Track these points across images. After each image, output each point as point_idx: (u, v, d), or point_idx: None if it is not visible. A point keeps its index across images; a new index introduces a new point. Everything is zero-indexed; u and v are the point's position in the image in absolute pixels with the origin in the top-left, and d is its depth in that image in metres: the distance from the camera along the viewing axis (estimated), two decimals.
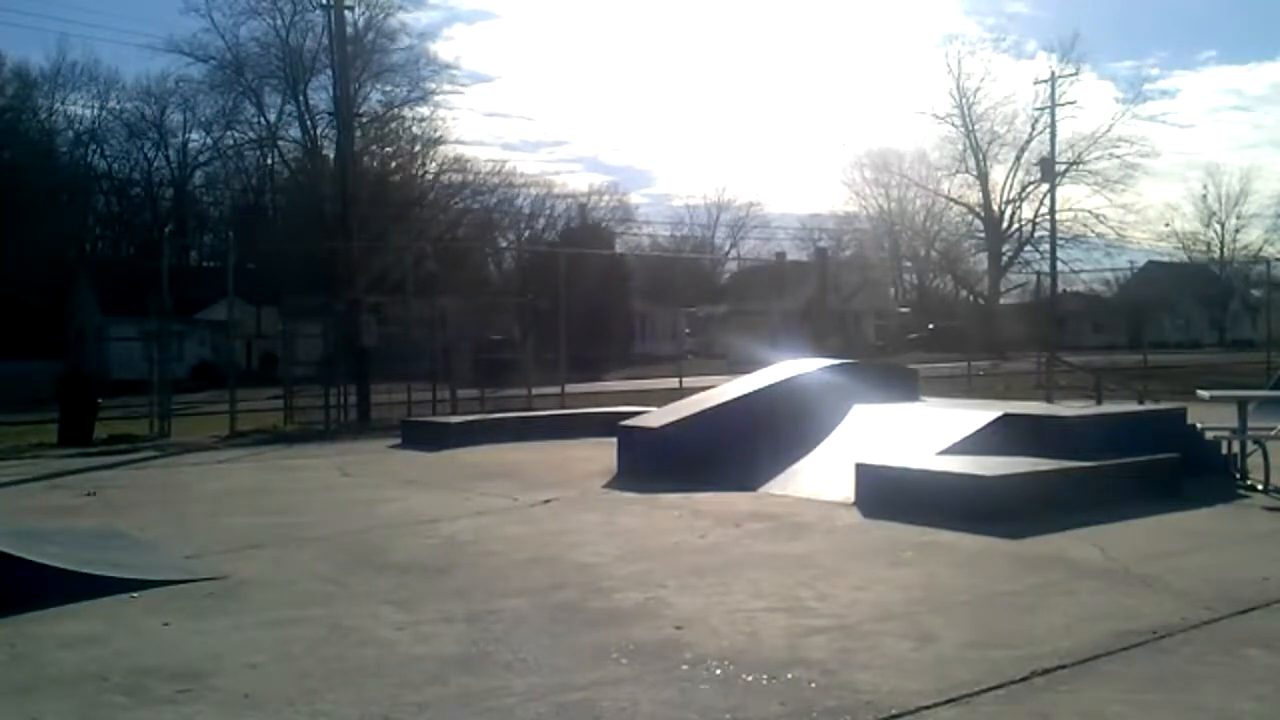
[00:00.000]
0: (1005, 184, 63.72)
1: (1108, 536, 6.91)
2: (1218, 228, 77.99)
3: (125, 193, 59.48)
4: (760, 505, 8.41)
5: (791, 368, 11.97)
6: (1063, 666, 4.30)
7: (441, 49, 78.46)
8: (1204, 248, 78.09)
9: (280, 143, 56.71)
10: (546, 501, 8.86)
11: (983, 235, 65.09)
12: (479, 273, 50.63)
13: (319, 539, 7.34)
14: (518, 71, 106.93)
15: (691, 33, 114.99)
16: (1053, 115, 51.23)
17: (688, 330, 47.24)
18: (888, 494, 8.00)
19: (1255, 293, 65.04)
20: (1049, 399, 19.27)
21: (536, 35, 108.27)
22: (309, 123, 53.88)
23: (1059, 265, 51.19)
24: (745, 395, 11.18)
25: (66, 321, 44.09)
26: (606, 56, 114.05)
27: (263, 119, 56.29)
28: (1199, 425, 9.77)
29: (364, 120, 46.83)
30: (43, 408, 17.19)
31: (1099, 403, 17.85)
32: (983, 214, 64.59)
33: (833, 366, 12.00)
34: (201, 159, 59.77)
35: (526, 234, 61.33)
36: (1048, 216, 53.12)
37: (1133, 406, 15.03)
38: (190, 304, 30.53)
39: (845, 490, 8.42)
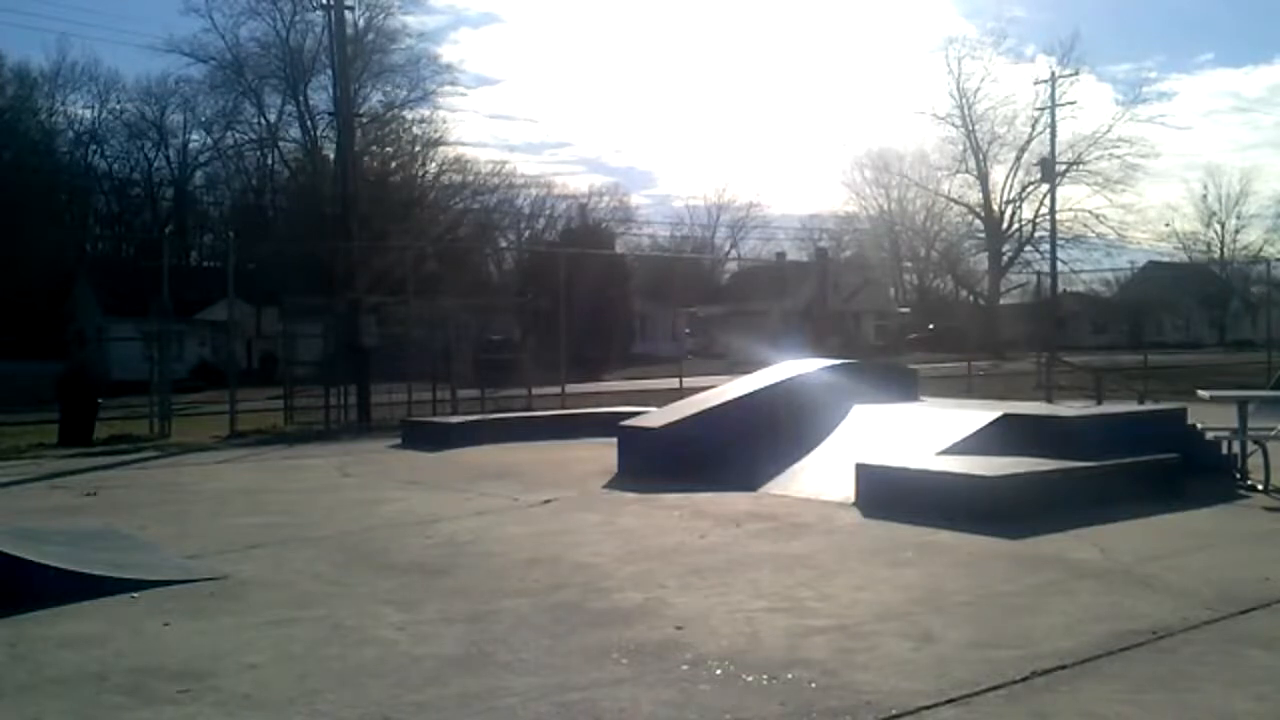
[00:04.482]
0: (1005, 184, 63.74)
1: (1108, 536, 6.92)
2: (1218, 228, 78.21)
3: (125, 193, 59.50)
4: (760, 505, 8.41)
5: (791, 368, 11.97)
6: (1063, 667, 4.30)
7: (447, 52, 78.70)
8: (1204, 248, 78.31)
9: (280, 143, 56.82)
10: (547, 501, 8.86)
11: (983, 235, 65.01)
12: (479, 273, 50.63)
13: (319, 539, 7.34)
14: (522, 74, 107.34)
15: (693, 35, 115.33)
16: (1053, 115, 51.32)
17: (688, 330, 47.21)
18: (888, 494, 8.00)
19: (1255, 290, 65.09)
20: (1049, 399, 19.26)
21: (541, 39, 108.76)
22: (309, 123, 53.95)
23: (1059, 265, 51.22)
24: (745, 395, 11.18)
25: (67, 322, 44.07)
26: (610, 59, 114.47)
27: (263, 119, 56.42)
28: (1199, 425, 9.76)
29: (364, 120, 46.81)
30: (43, 408, 17.18)
31: (1099, 403, 17.85)
32: (983, 214, 64.53)
33: (833, 366, 11.99)
34: (201, 159, 59.93)
35: (527, 234, 61.39)
36: (1048, 216, 53.15)
37: (1133, 406, 15.03)
38: (190, 304, 30.56)
39: (845, 490, 8.42)
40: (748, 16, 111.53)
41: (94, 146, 58.78)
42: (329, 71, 41.97)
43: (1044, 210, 55.89)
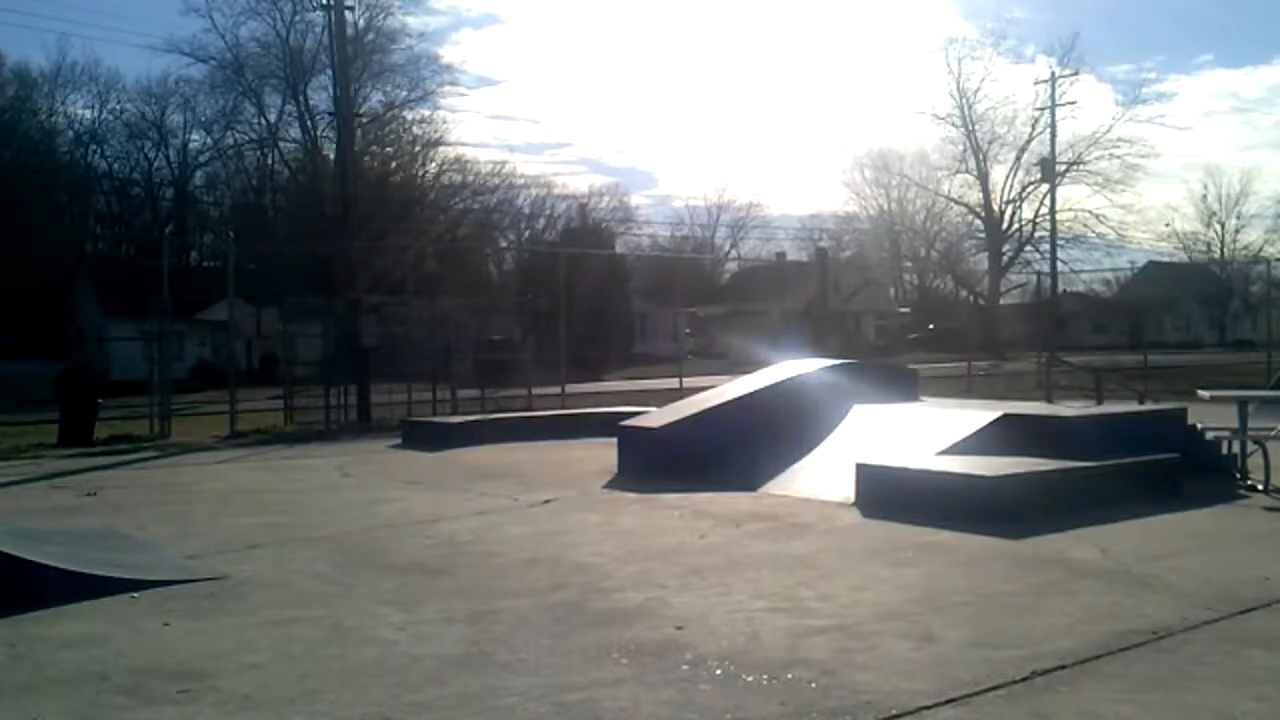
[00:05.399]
0: (1005, 184, 63.70)
1: (1108, 536, 6.91)
2: (1218, 228, 78.23)
3: (125, 193, 59.53)
4: (760, 505, 8.41)
5: (791, 368, 11.96)
6: (1063, 667, 4.30)
7: (449, 53, 78.94)
8: (1204, 248, 78.32)
9: (280, 143, 56.86)
10: (547, 501, 8.85)
11: (983, 235, 64.98)
12: (479, 273, 50.60)
13: (319, 539, 7.33)
14: (523, 75, 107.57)
15: (694, 36, 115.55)
16: (1053, 115, 51.30)
17: (688, 330, 47.18)
18: (888, 494, 8.00)
19: (1255, 290, 65.11)
20: (1049, 399, 19.27)
21: (542, 40, 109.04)
22: (309, 123, 53.97)
23: (1059, 265, 51.20)
24: (745, 395, 11.17)
25: (67, 322, 44.07)
26: (611, 60, 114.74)
27: (263, 119, 56.46)
28: (1199, 425, 9.76)
29: (364, 120, 46.84)
30: (43, 408, 17.18)
31: (1099, 403, 17.86)
32: (983, 214, 64.50)
33: (833, 366, 11.99)
34: (202, 159, 59.99)
35: (527, 234, 61.39)
36: (1048, 216, 53.13)
37: (1133, 406, 15.04)
38: (190, 304, 30.57)
39: (845, 490, 8.42)
40: (748, 17, 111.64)
41: (94, 146, 58.91)
42: (329, 71, 42.03)
43: (1044, 210, 55.93)
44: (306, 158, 54.45)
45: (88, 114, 59.79)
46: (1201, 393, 11.07)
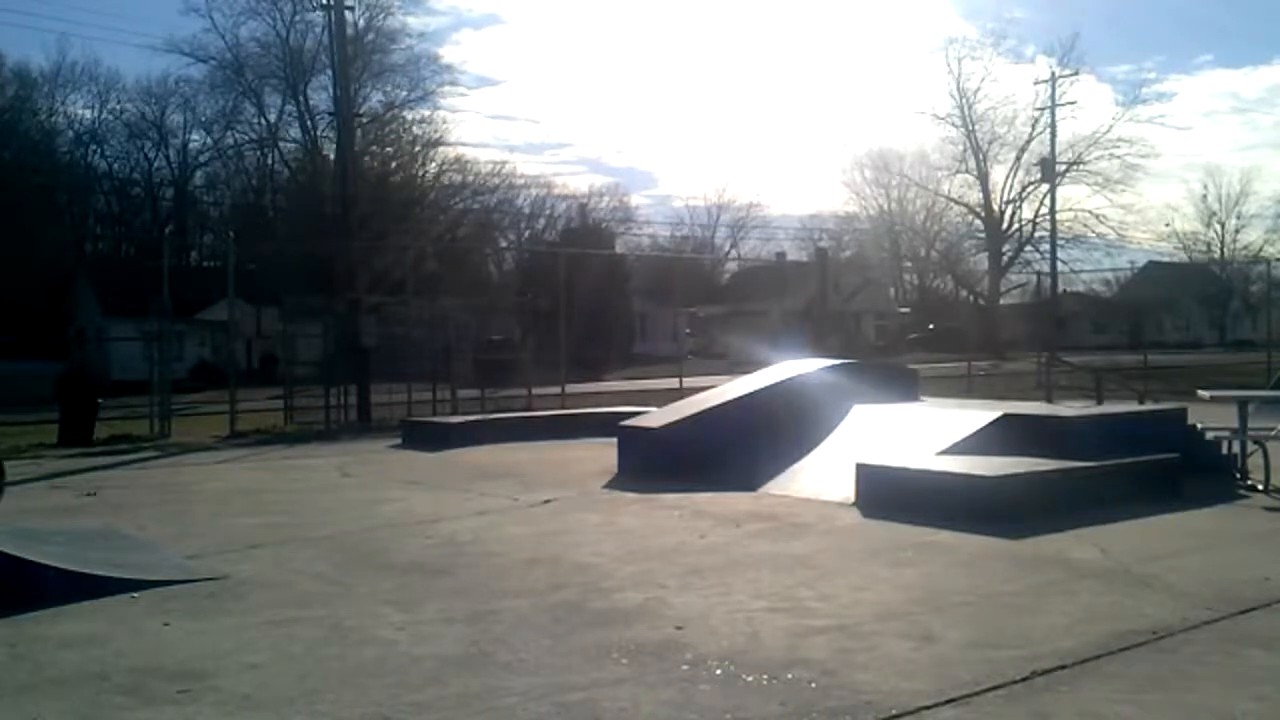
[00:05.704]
0: (1005, 184, 63.69)
1: (1108, 536, 6.92)
2: (1218, 228, 78.27)
3: (125, 193, 59.54)
4: (760, 505, 8.41)
5: (791, 368, 11.97)
6: (1063, 667, 4.30)
7: (449, 53, 79.24)
8: (1204, 248, 78.36)
9: (280, 143, 56.87)
10: (547, 501, 8.86)
11: (983, 235, 64.97)
12: (479, 273, 50.60)
13: (319, 539, 7.34)
14: (523, 75, 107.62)
15: (693, 36, 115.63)
16: (1053, 115, 51.30)
17: (688, 330, 47.16)
18: (888, 494, 8.00)
19: (1255, 290, 65.13)
20: (1049, 399, 19.27)
21: (542, 40, 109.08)
22: (309, 123, 53.98)
23: (1059, 265, 51.20)
24: (745, 395, 11.17)
25: (67, 322, 44.06)
26: (610, 60, 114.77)
27: (263, 119, 56.48)
28: (1199, 425, 9.76)
29: (364, 120, 46.85)
30: (43, 408, 17.18)
31: (1099, 403, 17.86)
32: (983, 214, 64.49)
33: (833, 366, 11.99)
34: (202, 159, 60.01)
35: (527, 234, 61.40)
36: (1048, 216, 53.12)
37: (1133, 406, 15.04)
38: (190, 304, 30.56)
39: (845, 490, 8.42)
40: (748, 17, 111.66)
41: (94, 146, 58.93)
42: (329, 71, 42.01)
43: (1044, 210, 55.92)
44: (306, 158, 54.47)
45: (88, 114, 59.94)
46: (1201, 393, 11.07)
